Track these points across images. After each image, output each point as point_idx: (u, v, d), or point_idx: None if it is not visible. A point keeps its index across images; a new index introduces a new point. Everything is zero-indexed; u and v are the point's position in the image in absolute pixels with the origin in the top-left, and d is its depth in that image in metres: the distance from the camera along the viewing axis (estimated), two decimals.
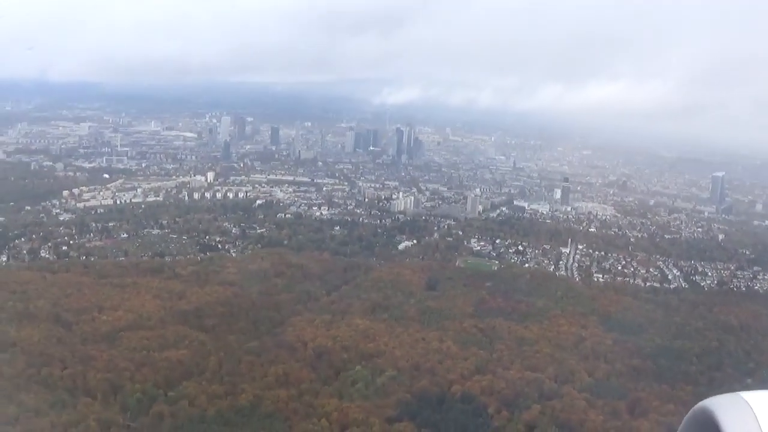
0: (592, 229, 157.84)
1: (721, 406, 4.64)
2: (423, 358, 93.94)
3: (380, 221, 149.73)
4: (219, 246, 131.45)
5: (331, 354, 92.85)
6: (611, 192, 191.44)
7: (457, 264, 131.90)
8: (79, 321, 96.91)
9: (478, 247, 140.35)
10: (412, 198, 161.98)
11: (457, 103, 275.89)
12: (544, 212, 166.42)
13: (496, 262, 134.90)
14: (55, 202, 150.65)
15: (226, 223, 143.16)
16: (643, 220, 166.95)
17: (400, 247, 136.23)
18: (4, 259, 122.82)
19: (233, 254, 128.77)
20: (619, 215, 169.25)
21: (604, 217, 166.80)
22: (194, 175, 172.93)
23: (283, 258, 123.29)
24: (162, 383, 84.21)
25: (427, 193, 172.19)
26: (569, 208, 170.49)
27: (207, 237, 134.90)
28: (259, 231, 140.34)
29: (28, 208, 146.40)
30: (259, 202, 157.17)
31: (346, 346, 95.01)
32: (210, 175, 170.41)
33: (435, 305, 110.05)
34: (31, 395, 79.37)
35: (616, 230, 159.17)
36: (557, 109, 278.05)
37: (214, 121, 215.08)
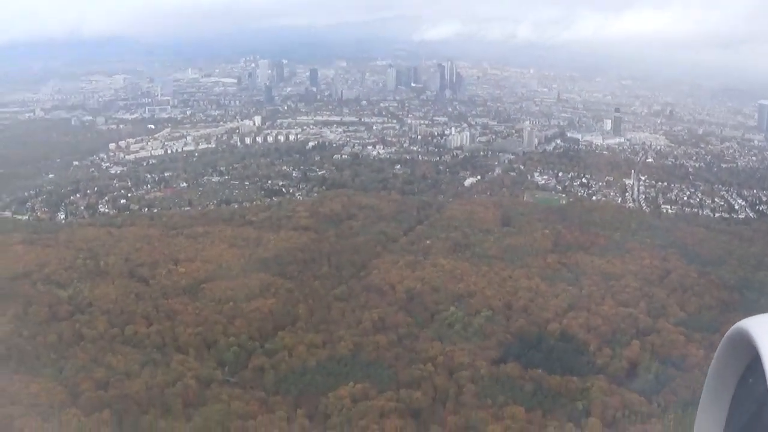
0: (650, 160, 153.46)
1: (759, 326, 4.49)
2: (514, 296, 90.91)
3: (439, 158, 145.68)
4: (283, 190, 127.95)
5: (422, 296, 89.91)
6: (659, 121, 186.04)
7: (525, 199, 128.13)
8: (156, 275, 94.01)
9: (542, 181, 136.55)
10: (467, 133, 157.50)
11: (493, 37, 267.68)
12: (598, 143, 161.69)
13: (563, 195, 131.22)
14: (103, 155, 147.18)
15: (285, 167, 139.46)
16: (697, 150, 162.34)
17: (466, 183, 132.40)
18: (62, 216, 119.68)
19: (299, 197, 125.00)
20: (672, 145, 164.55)
21: (657, 147, 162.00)
22: (241, 120, 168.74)
23: (352, 199, 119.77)
24: (256, 335, 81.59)
25: (478, 127, 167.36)
26: (622, 139, 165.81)
27: (269, 182, 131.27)
28: (319, 173, 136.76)
29: (76, 163, 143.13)
30: (311, 143, 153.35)
31: (435, 287, 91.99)
32: (257, 120, 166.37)
33: (514, 242, 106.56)
34: (119, 356, 76.57)
35: (673, 160, 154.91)
36: (594, 41, 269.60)
37: (253, 65, 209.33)
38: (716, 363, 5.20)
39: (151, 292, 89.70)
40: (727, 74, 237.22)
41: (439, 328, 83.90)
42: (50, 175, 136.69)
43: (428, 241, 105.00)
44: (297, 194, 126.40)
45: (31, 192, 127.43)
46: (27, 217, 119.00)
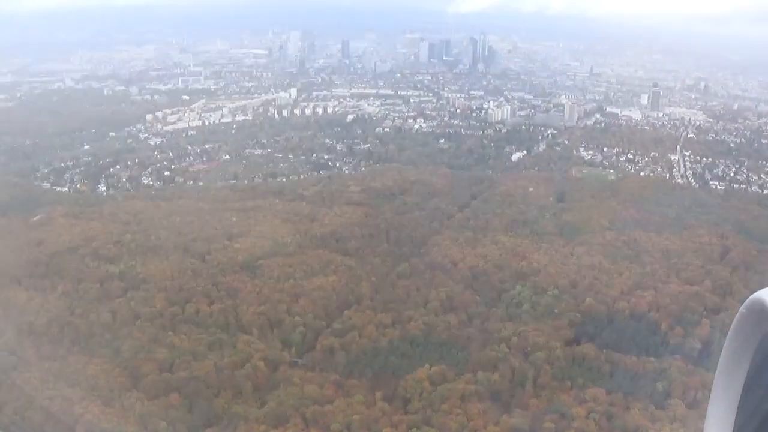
0: (691, 135, 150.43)
1: None
2: (578, 274, 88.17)
3: (482, 132, 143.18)
4: (329, 164, 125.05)
5: (486, 274, 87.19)
6: (693, 96, 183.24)
7: (573, 174, 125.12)
8: (211, 250, 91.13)
9: (588, 157, 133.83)
10: (508, 108, 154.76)
11: (519, 10, 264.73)
12: (637, 118, 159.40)
13: (611, 171, 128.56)
14: (140, 126, 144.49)
15: (327, 140, 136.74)
16: (735, 125, 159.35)
17: (513, 158, 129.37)
18: (103, 188, 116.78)
19: (346, 171, 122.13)
20: (711, 120, 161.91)
21: (696, 123, 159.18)
22: (276, 92, 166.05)
23: (402, 174, 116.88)
24: (321, 314, 78.70)
25: (516, 102, 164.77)
26: (660, 114, 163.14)
27: (314, 155, 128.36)
28: (363, 147, 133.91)
29: (113, 134, 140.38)
30: (350, 116, 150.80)
31: (498, 265, 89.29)
32: (293, 92, 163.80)
33: (570, 218, 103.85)
34: (182, 336, 73.72)
35: (713, 136, 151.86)
36: (622, 13, 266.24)
37: (284, 37, 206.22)
38: (733, 333, 5.06)
39: (207, 269, 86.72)
40: (754, 48, 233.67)
41: (507, 308, 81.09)
42: (86, 146, 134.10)
43: (485, 218, 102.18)
44: (344, 168, 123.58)
45: (68, 163, 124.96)
46: (66, 189, 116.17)
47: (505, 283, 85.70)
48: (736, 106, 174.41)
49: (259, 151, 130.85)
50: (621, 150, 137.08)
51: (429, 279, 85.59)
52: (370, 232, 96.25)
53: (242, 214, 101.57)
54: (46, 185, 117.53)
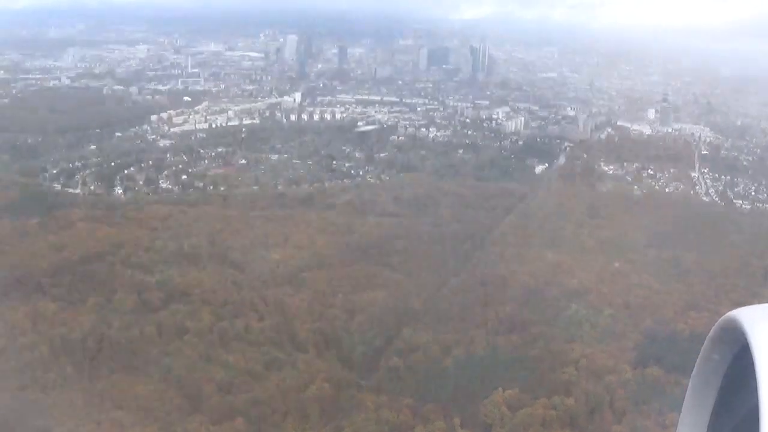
0: (705, 152, 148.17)
1: (750, 316, 4.48)
2: (629, 293, 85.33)
3: (499, 143, 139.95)
4: (352, 172, 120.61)
5: (539, 292, 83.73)
6: (696, 112, 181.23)
7: (599, 188, 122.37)
8: (249, 261, 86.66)
9: (610, 171, 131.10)
10: (521, 119, 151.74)
11: (521, 19, 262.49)
12: (649, 133, 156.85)
13: (636, 186, 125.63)
14: (146, 127, 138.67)
15: (343, 147, 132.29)
16: (743, 142, 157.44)
17: (536, 171, 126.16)
18: (119, 191, 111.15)
19: (371, 180, 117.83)
20: (720, 137, 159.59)
21: (706, 139, 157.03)
22: (280, 96, 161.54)
23: (430, 185, 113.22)
24: (378, 332, 74.77)
25: (522, 112, 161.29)
26: (669, 129, 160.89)
27: (334, 162, 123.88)
28: (382, 155, 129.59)
29: (119, 134, 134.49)
30: (360, 123, 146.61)
31: (549, 283, 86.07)
32: (297, 96, 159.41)
33: (608, 235, 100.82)
34: (237, 354, 69.21)
35: (725, 152, 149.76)
36: (616, 27, 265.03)
37: (281, 40, 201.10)
38: (704, 353, 5.01)
39: (249, 281, 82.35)
40: (749, 64, 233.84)
41: (568, 328, 77.76)
42: (92, 146, 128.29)
43: (524, 233, 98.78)
44: (368, 177, 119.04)
45: (77, 164, 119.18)
46: (79, 190, 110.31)
47: (559, 301, 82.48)
48: (739, 123, 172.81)
49: (275, 157, 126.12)
50: (641, 165, 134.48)
51: (482, 296, 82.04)
52: (411, 245, 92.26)
53: (274, 223, 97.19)
54: (57, 186, 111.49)
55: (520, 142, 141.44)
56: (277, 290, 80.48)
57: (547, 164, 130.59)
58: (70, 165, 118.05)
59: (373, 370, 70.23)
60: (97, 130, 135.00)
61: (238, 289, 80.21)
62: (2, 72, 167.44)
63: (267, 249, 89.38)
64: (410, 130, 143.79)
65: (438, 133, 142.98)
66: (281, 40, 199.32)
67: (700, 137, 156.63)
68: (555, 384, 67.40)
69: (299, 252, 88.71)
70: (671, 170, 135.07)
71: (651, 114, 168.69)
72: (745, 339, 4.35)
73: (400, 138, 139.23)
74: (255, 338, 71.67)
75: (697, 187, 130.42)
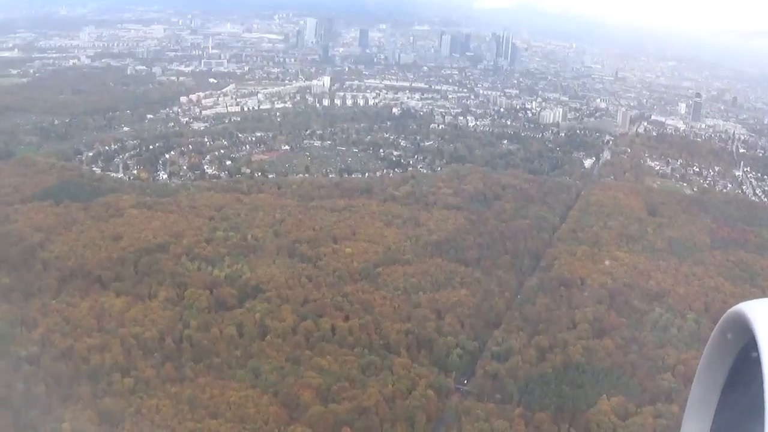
0: (742, 150, 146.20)
1: (756, 310, 4.43)
2: (706, 297, 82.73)
3: (541, 135, 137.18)
4: (402, 161, 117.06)
5: (620, 294, 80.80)
6: (722, 108, 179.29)
7: (649, 184, 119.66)
8: (319, 255, 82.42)
9: (657, 167, 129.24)
10: (560, 111, 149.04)
11: (523, 9, 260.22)
12: (683, 128, 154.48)
13: (684, 184, 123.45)
14: (176, 109, 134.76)
15: (385, 134, 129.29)
16: None
17: (586, 165, 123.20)
18: (164, 176, 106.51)
19: (423, 170, 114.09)
20: (753, 134, 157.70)
21: (740, 137, 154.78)
22: (305, 80, 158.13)
23: (487, 177, 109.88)
24: (470, 333, 71.21)
25: (554, 103, 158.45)
26: (703, 125, 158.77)
27: (381, 150, 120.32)
28: (427, 144, 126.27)
29: (150, 116, 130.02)
30: (395, 110, 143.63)
31: (627, 284, 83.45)
32: (326, 81, 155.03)
33: (672, 234, 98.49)
34: (328, 357, 65.11)
35: (762, 152, 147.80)
36: (630, 22, 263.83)
37: (301, 22, 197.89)
38: (710, 346, 4.95)
39: (323, 276, 78.26)
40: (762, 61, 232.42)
41: (656, 332, 74.77)
42: (125, 128, 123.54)
43: (591, 230, 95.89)
44: (419, 166, 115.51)
45: (112, 146, 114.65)
46: (122, 175, 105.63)
47: (641, 304, 79.50)
48: (766, 120, 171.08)
49: (317, 143, 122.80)
50: (685, 162, 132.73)
51: (565, 297, 79.07)
52: (483, 241, 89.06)
53: (336, 214, 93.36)
54: (96, 170, 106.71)
55: (562, 134, 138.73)
56: (354, 287, 76.70)
57: (594, 158, 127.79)
58: (106, 148, 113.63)
59: (469, 375, 66.69)
60: (127, 112, 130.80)
61: (315, 285, 76.11)
62: (17, 51, 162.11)
63: (336, 242, 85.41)
64: (448, 118, 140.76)
65: (477, 123, 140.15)
66: (301, 23, 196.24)
67: (734, 134, 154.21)
68: (656, 391, 64.58)
69: (370, 246, 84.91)
70: (715, 168, 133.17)
71: (682, 109, 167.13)
72: (752, 332, 4.26)
73: (440, 126, 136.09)
74: (342, 339, 67.74)
75: (744, 187, 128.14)
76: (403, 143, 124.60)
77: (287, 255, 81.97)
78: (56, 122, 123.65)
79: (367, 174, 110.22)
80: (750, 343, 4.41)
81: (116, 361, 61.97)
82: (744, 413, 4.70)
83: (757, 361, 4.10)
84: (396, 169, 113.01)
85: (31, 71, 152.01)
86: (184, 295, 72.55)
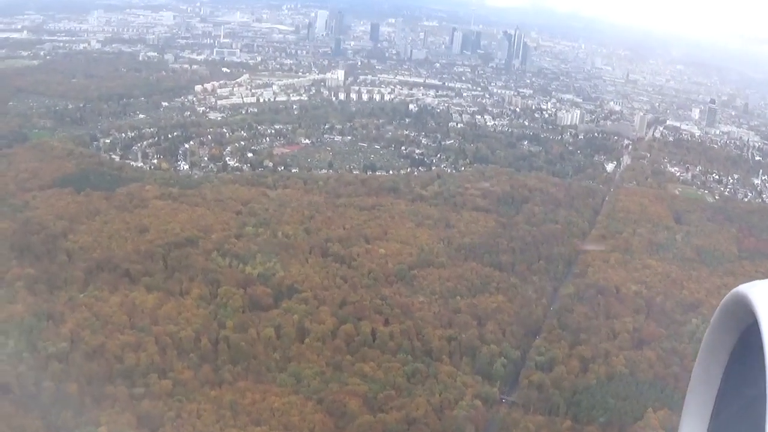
0: (758, 158, 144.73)
1: (758, 291, 4.39)
2: None
3: (560, 137, 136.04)
4: (425, 160, 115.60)
5: (656, 304, 79.92)
6: (733, 114, 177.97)
7: (671, 191, 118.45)
8: (353, 255, 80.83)
9: (678, 174, 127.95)
10: (578, 113, 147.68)
11: (532, 10, 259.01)
12: (697, 134, 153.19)
13: (706, 192, 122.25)
14: (191, 98, 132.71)
15: (406, 131, 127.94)
16: None
17: (608, 169, 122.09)
18: (185, 166, 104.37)
19: (447, 170, 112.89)
20: (767, 142, 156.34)
21: (754, 144, 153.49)
22: (318, 73, 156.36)
23: (512, 179, 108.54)
24: (511, 341, 69.62)
25: (568, 103, 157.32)
26: (717, 131, 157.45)
27: (403, 148, 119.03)
28: (448, 142, 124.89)
29: (165, 104, 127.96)
30: (411, 106, 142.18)
31: (662, 293, 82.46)
32: (340, 74, 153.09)
33: (700, 243, 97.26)
34: (371, 363, 63.42)
35: None
36: (638, 25, 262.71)
37: (312, 14, 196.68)
38: (712, 327, 4.93)
39: (359, 277, 76.75)
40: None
41: (693, 344, 72.94)
42: (140, 115, 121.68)
43: (621, 237, 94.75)
44: (443, 166, 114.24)
45: (129, 134, 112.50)
46: (142, 164, 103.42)
47: (677, 314, 78.16)
48: None
49: (338, 138, 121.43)
50: (704, 169, 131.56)
51: (602, 306, 77.41)
52: (515, 245, 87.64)
53: (366, 212, 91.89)
54: (115, 158, 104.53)
55: (580, 137, 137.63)
56: (390, 289, 75.27)
57: (615, 162, 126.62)
58: (123, 135, 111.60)
59: (513, 384, 65.24)
60: (141, 99, 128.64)
61: (351, 287, 74.47)
62: (26, 32, 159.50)
63: (368, 242, 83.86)
64: (465, 117, 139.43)
65: (495, 122, 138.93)
66: (312, 14, 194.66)
67: (748, 141, 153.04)
68: None
69: (404, 247, 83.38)
70: (734, 176, 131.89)
71: (696, 114, 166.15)
72: (754, 313, 4.25)
73: (458, 125, 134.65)
74: (384, 345, 66.14)
75: (764, 196, 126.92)
76: (424, 141, 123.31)
77: (320, 254, 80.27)
78: (70, 106, 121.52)
79: (391, 171, 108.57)
80: (752, 323, 4.27)
81: (152, 361, 60.13)
82: (746, 394, 4.59)
83: (759, 341, 3.99)
84: (420, 168, 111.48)
85: (42, 53, 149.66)
86: (218, 292, 70.72)
